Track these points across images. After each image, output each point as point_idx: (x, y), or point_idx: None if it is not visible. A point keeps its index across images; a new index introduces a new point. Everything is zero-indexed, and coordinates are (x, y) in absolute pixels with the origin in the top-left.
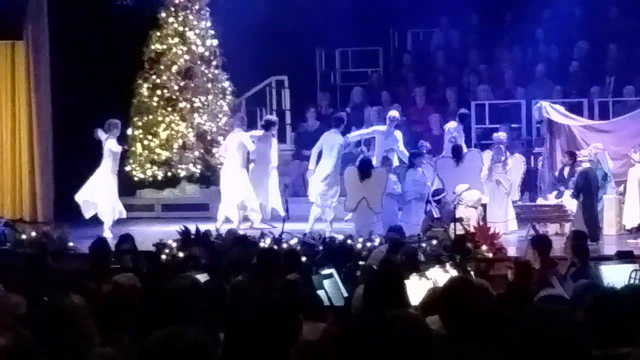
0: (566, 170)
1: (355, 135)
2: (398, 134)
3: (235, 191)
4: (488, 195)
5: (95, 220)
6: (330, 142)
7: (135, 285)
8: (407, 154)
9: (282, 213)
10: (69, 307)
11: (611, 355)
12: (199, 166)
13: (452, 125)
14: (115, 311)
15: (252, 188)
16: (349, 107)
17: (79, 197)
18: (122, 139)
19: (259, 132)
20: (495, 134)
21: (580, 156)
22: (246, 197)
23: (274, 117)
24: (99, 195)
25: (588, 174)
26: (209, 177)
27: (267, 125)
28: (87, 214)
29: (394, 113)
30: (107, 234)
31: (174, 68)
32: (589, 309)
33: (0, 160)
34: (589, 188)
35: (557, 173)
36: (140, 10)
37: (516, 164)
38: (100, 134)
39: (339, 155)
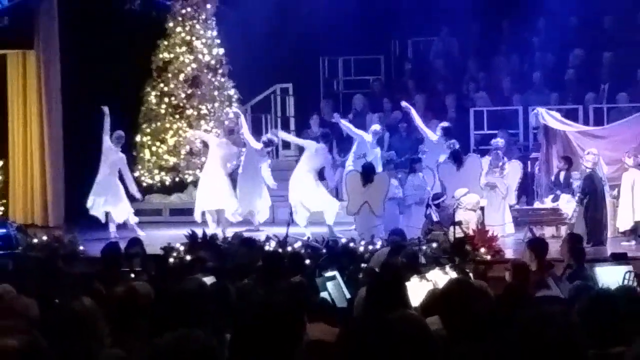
0: (562, 174)
1: (345, 124)
2: (377, 150)
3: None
4: (486, 199)
5: (105, 225)
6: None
7: (150, 294)
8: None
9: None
10: (80, 310)
11: (606, 354)
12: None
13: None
14: (126, 314)
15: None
16: (351, 114)
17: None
18: (131, 146)
19: (259, 145)
20: (493, 140)
21: (584, 161)
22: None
23: (275, 139)
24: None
25: (593, 178)
26: None
27: (267, 144)
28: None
29: (375, 127)
30: (112, 228)
31: (181, 76)
32: (584, 309)
33: (12, 167)
34: (594, 192)
35: (553, 177)
36: (148, 20)
37: (513, 169)
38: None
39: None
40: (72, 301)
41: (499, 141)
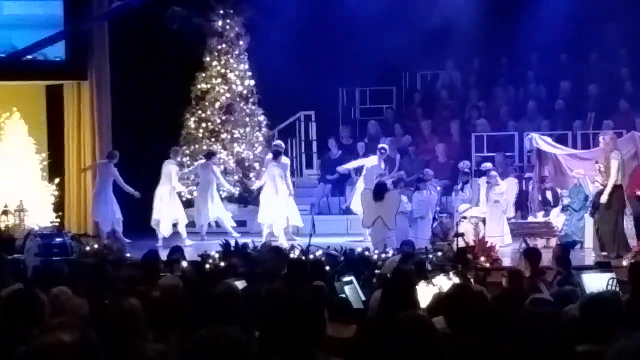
0: (549, 193)
1: (348, 167)
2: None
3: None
4: (487, 212)
5: (149, 235)
6: (271, 173)
7: (179, 285)
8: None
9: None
10: (129, 309)
11: (593, 351)
12: (238, 188)
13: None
14: (163, 312)
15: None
16: (366, 138)
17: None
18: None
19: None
20: (483, 165)
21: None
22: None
23: (281, 146)
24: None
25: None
26: (246, 198)
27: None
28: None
29: (384, 146)
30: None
31: (217, 104)
32: (582, 309)
33: (67, 184)
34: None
35: (540, 198)
36: (188, 55)
37: (510, 186)
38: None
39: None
40: (121, 301)
41: (488, 165)
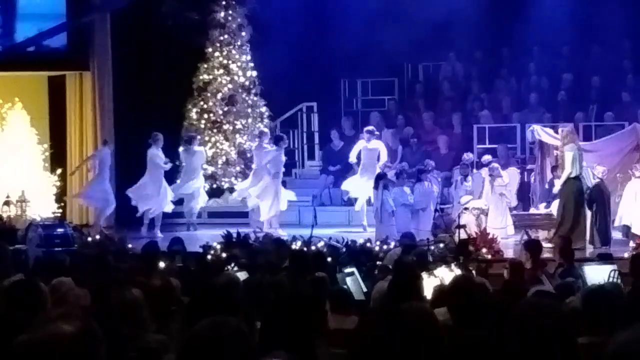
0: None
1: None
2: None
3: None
4: (490, 205)
5: (150, 224)
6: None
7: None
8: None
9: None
10: (131, 299)
11: (594, 342)
12: (239, 179)
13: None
14: (164, 303)
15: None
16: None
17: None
18: (174, 156)
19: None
20: (483, 157)
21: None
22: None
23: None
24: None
25: (600, 187)
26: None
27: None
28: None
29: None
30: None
31: (219, 95)
32: (583, 301)
33: (69, 175)
34: (602, 200)
35: (547, 185)
36: (190, 46)
37: (512, 175)
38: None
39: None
40: (123, 291)
41: (488, 157)
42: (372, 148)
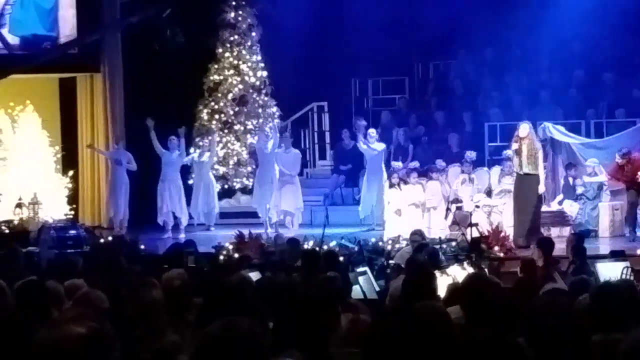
0: (571, 180)
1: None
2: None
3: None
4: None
5: (162, 227)
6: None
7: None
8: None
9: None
10: (149, 301)
11: (608, 339)
12: (251, 179)
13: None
14: (178, 304)
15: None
16: (379, 128)
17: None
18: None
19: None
20: (504, 151)
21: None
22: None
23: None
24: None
25: None
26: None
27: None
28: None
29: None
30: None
31: (230, 96)
32: (592, 298)
33: (81, 176)
34: None
35: (563, 182)
36: (200, 46)
37: None
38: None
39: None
40: (141, 293)
41: (509, 152)
42: (375, 152)
